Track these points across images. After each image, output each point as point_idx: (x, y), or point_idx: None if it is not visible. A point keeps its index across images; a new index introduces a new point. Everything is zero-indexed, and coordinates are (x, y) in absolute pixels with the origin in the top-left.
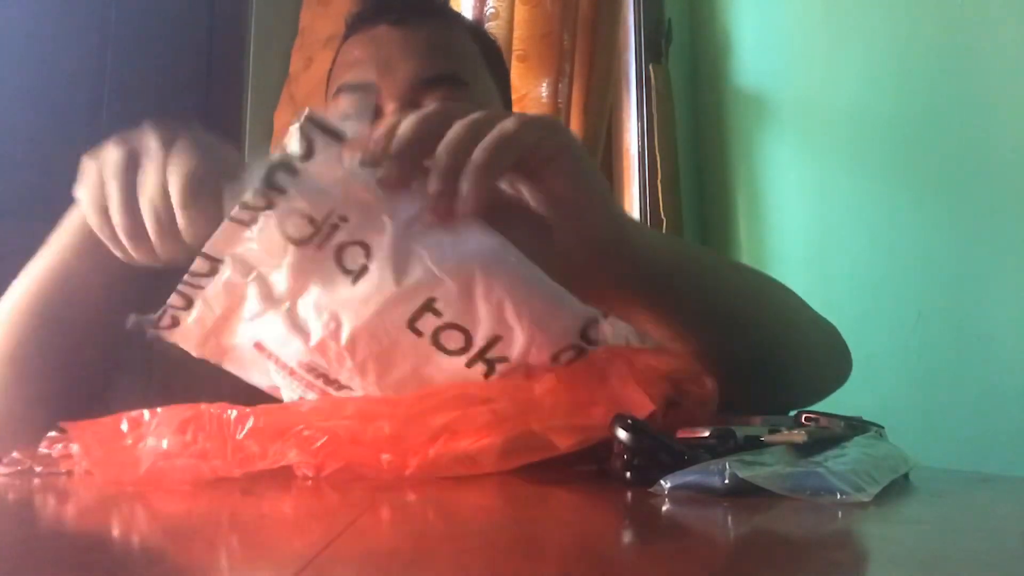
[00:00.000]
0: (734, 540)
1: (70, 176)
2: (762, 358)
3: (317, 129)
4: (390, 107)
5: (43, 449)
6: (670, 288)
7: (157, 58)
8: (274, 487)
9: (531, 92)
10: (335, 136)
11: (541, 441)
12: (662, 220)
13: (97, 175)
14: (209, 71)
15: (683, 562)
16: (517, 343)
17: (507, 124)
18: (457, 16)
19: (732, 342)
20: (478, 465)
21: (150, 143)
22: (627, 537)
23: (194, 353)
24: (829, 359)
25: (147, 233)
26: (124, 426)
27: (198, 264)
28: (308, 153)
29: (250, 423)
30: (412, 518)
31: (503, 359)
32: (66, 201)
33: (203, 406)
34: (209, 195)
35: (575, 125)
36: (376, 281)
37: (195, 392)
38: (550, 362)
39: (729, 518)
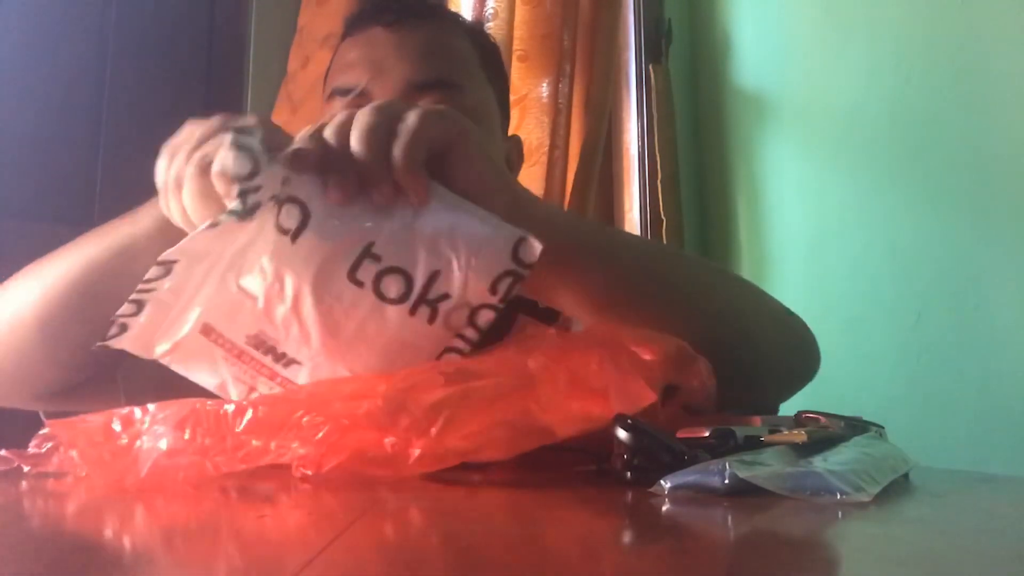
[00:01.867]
0: (734, 540)
1: (70, 176)
2: (707, 350)
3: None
4: None
5: (32, 448)
6: (576, 264)
7: (157, 58)
8: (270, 490)
9: (531, 92)
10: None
11: (543, 430)
12: (662, 220)
13: (187, 135)
14: (209, 71)
15: (683, 562)
16: (455, 275)
17: (410, 118)
18: (455, 18)
19: (660, 325)
20: (482, 455)
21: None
22: (627, 537)
23: (144, 355)
24: (789, 354)
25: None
26: (116, 425)
27: (152, 272)
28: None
29: (249, 415)
30: (410, 519)
31: (444, 296)
32: (66, 201)
33: (198, 402)
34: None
35: (576, 125)
36: (316, 234)
37: (165, 391)
38: (490, 294)
39: (729, 518)
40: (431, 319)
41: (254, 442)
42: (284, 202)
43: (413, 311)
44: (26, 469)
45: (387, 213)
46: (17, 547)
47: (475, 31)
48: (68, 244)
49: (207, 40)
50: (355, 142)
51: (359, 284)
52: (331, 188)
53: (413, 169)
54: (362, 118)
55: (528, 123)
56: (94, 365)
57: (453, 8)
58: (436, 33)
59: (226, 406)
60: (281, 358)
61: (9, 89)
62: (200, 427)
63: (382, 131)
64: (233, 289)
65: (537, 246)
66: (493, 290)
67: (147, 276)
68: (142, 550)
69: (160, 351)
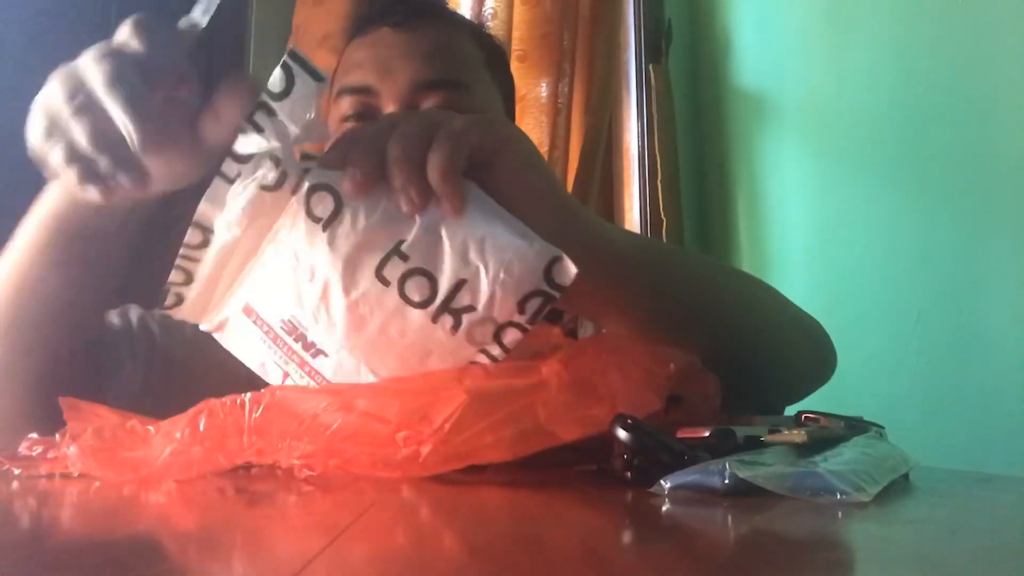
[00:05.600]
0: (734, 540)
1: None
2: (737, 357)
3: (298, 65)
4: (389, 109)
5: (23, 451)
6: (629, 277)
7: None
8: (271, 490)
9: (531, 92)
10: (314, 75)
11: (547, 434)
12: (662, 220)
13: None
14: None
15: (683, 562)
16: (482, 288)
17: (454, 123)
18: (461, 20)
19: (703, 340)
20: (486, 456)
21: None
22: (627, 537)
23: (201, 327)
24: (810, 358)
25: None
26: (133, 422)
27: (191, 235)
28: (287, 89)
29: (266, 400)
30: (411, 519)
31: (469, 308)
32: None
33: (213, 400)
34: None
35: (576, 125)
36: (347, 226)
37: (191, 393)
38: (517, 311)
39: (729, 518)
40: (453, 329)
41: (268, 434)
42: (316, 189)
43: (435, 318)
44: (16, 472)
45: (420, 211)
46: (11, 548)
47: (481, 33)
48: None
49: (207, 40)
50: (392, 143)
51: (385, 283)
52: (348, 178)
53: (449, 175)
54: (404, 122)
55: (527, 123)
56: (65, 389)
57: (455, 9)
58: (443, 34)
59: (243, 396)
60: (310, 347)
61: (9, 89)
62: (215, 418)
63: (422, 135)
64: (269, 271)
65: (572, 268)
66: (521, 309)
67: (186, 240)
68: (142, 551)
69: (207, 326)
